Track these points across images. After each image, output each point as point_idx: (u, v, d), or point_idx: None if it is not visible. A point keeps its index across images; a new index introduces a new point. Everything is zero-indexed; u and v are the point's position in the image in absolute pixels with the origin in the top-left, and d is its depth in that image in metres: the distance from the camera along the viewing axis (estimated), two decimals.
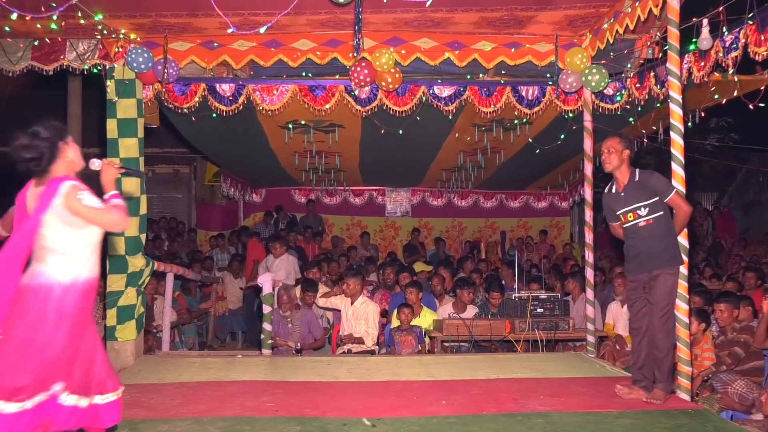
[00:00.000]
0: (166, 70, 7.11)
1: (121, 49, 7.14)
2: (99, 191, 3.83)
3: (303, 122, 9.21)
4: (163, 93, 7.50)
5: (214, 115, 7.73)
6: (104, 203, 3.74)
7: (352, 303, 8.04)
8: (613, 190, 5.43)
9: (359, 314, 7.98)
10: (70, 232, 3.64)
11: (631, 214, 5.24)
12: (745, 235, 16.75)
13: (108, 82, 7.19)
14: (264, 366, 6.82)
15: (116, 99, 7.17)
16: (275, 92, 7.59)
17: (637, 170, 5.30)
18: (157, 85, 7.42)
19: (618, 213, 5.36)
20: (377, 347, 8.08)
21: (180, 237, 14.99)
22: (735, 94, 6.30)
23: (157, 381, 6.04)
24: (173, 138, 12.85)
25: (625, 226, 5.33)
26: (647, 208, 5.15)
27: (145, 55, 7.01)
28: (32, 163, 3.64)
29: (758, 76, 6.83)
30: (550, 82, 7.65)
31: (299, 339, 7.91)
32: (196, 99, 7.57)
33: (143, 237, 7.30)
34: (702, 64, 6.16)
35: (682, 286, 5.29)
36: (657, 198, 5.13)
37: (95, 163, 3.94)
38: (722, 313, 6.59)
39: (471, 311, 8.32)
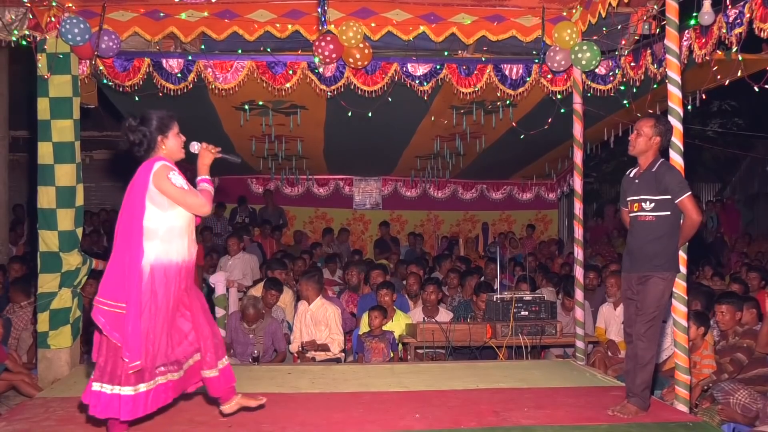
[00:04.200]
0: (104, 43, 7.03)
1: (53, 19, 7.04)
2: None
3: (261, 103, 9.17)
4: (101, 69, 7.41)
5: (160, 94, 7.65)
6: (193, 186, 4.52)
7: (309, 305, 8.03)
8: (632, 174, 5.46)
9: (318, 318, 7.96)
10: (156, 212, 4.36)
11: (637, 204, 5.29)
12: (749, 230, 16.97)
13: (39, 56, 7.08)
14: None
15: (48, 75, 7.06)
16: (229, 69, 7.54)
17: (660, 161, 5.29)
18: (95, 60, 7.33)
19: (627, 199, 5.42)
20: (343, 354, 8.08)
21: None
22: (739, 74, 6.37)
23: None
24: (113, 120, 12.70)
25: (630, 215, 5.39)
26: (653, 204, 5.18)
27: (81, 25, 6.91)
28: (134, 147, 4.47)
29: (764, 54, 6.92)
30: (537, 60, 7.69)
31: (261, 351, 7.87)
32: (140, 76, 7.50)
33: (79, 231, 7.21)
34: (703, 41, 6.22)
35: (681, 286, 5.36)
36: (668, 197, 5.14)
37: (194, 147, 4.74)
38: (723, 316, 6.67)
39: (444, 316, 8.35)
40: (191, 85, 7.60)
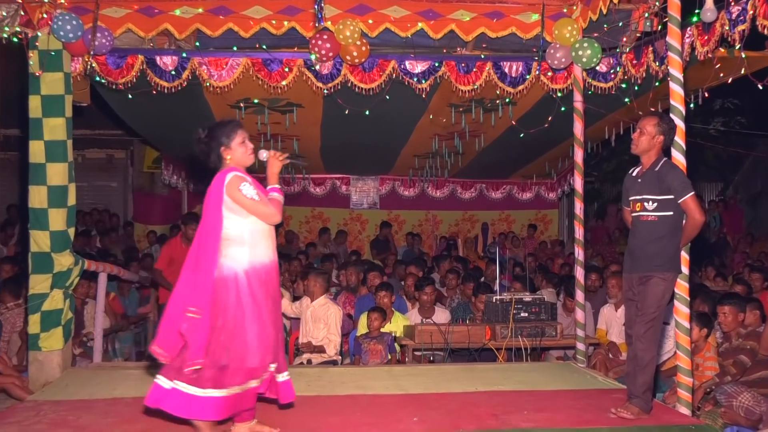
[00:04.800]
0: (97, 40, 7.02)
1: (45, 15, 7.03)
2: None
3: (256, 101, 9.15)
4: (94, 66, 7.40)
5: (154, 92, 7.65)
6: (264, 195, 4.67)
7: (311, 301, 8.03)
8: (634, 173, 5.48)
9: (318, 316, 7.95)
10: (238, 220, 4.55)
11: (639, 204, 5.30)
12: (752, 229, 16.98)
13: (30, 53, 7.07)
14: None
15: (40, 73, 7.06)
16: (224, 66, 7.53)
17: (663, 160, 5.30)
18: (87, 57, 7.32)
19: (630, 199, 5.44)
20: (340, 357, 8.07)
21: (114, 231, 14.84)
22: (742, 72, 6.38)
23: (87, 396, 5.98)
24: (107, 118, 12.67)
25: (632, 215, 5.40)
26: (656, 203, 5.19)
27: (74, 22, 6.90)
28: (203, 157, 4.71)
29: (767, 52, 6.93)
30: (536, 58, 7.68)
31: None
32: (133, 73, 7.48)
33: (71, 231, 7.20)
34: (706, 38, 6.23)
35: (683, 287, 5.37)
36: (671, 196, 5.15)
37: (263, 155, 4.87)
38: (726, 317, 6.69)
39: (441, 315, 8.35)
40: (185, 83, 7.59)
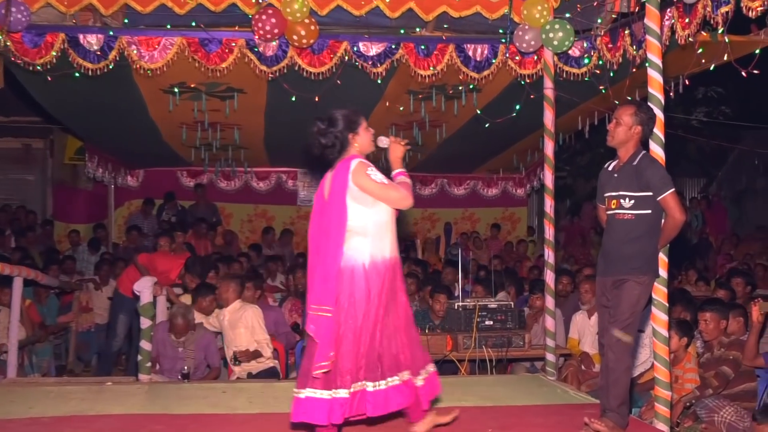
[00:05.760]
0: (12, 15, 6.94)
1: None
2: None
3: (192, 86, 9.11)
4: (8, 45, 7.31)
5: (77, 74, 7.59)
6: (391, 180, 4.87)
7: (225, 309, 7.96)
8: (610, 168, 5.52)
9: (235, 321, 7.86)
10: (362, 210, 4.74)
11: (615, 200, 5.33)
12: (736, 229, 17.24)
13: None
14: (141, 395, 6.73)
15: None
16: (157, 46, 7.48)
17: (642, 153, 5.34)
18: (0, 35, 7.22)
19: (605, 195, 5.48)
20: (277, 362, 8.00)
21: (31, 230, 14.65)
22: (726, 58, 6.47)
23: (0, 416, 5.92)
24: (23, 103, 12.55)
25: (608, 212, 5.44)
26: (633, 201, 5.23)
27: None
28: (326, 150, 4.89)
29: (752, 36, 7.04)
30: (503, 40, 7.74)
31: (192, 367, 7.78)
32: (53, 53, 7.41)
33: None
34: (687, 20, 6.30)
35: (661, 292, 5.43)
36: (650, 193, 5.20)
37: (383, 141, 5.09)
38: (707, 325, 6.76)
39: None
40: (112, 65, 7.53)
